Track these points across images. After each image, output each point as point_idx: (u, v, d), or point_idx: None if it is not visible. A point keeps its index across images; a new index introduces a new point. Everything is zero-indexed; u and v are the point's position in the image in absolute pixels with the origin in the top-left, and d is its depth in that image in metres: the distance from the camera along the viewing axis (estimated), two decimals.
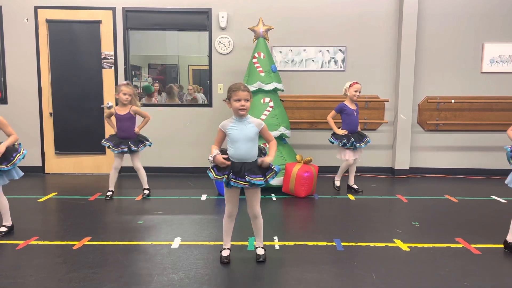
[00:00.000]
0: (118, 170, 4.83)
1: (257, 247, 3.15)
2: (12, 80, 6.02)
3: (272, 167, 2.95)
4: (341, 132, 4.89)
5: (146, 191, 4.90)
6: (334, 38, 6.02)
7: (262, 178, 2.87)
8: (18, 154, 3.49)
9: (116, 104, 5.02)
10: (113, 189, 4.84)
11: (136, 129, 4.73)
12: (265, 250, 3.15)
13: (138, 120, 4.78)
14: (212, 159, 2.90)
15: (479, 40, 6.00)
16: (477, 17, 5.96)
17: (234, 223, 3.12)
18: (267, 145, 3.03)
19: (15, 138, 3.51)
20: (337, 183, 5.18)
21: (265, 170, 2.92)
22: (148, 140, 4.82)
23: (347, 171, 5.24)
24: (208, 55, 6.09)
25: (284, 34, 5.94)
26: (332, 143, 4.97)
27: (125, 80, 5.89)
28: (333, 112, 4.97)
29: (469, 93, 6.08)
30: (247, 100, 2.87)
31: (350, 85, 4.88)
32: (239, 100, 2.85)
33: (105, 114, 4.79)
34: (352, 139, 4.84)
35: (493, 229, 3.81)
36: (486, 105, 6.07)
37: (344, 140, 4.85)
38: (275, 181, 4.99)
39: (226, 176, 2.87)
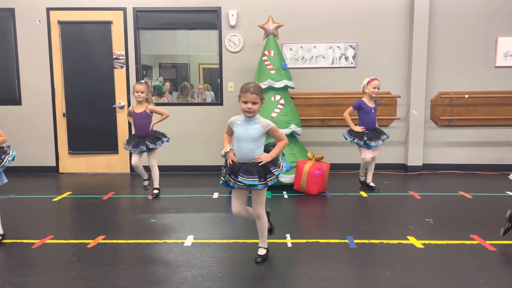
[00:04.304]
0: (138, 165, 4.73)
1: (259, 247, 3.10)
2: (25, 81, 6.10)
3: (274, 170, 2.85)
4: (358, 128, 4.80)
5: (156, 191, 4.87)
6: (345, 35, 5.98)
7: (257, 179, 2.78)
8: (7, 156, 3.26)
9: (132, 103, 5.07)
10: (147, 177, 4.80)
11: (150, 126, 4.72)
12: (268, 250, 3.09)
13: (156, 118, 4.80)
14: (223, 153, 2.91)
15: (492, 34, 5.90)
16: (490, 10, 5.86)
17: (249, 221, 3.11)
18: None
19: (3, 140, 3.29)
20: (362, 178, 5.09)
21: (266, 172, 2.84)
22: (165, 136, 4.81)
23: (355, 169, 5.19)
24: (218, 53, 6.09)
25: (294, 31, 5.92)
26: (346, 139, 4.92)
27: (141, 79, 5.96)
28: (350, 109, 4.87)
29: (483, 87, 5.99)
30: (255, 103, 2.80)
31: (368, 82, 4.78)
32: (246, 102, 2.82)
33: (126, 113, 4.85)
34: (365, 138, 4.76)
35: None
36: (501, 100, 5.98)
37: (357, 139, 4.79)
38: (287, 179, 4.99)
39: (223, 178, 2.87)
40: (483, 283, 2.68)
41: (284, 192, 4.97)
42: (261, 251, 3.07)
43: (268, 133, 2.90)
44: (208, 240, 3.45)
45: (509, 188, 5.07)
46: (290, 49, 6.01)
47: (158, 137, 4.75)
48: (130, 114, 4.79)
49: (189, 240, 3.45)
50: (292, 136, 5.23)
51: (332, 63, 6.03)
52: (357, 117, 4.93)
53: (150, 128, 4.72)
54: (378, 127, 4.94)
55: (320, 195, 4.85)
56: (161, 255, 3.16)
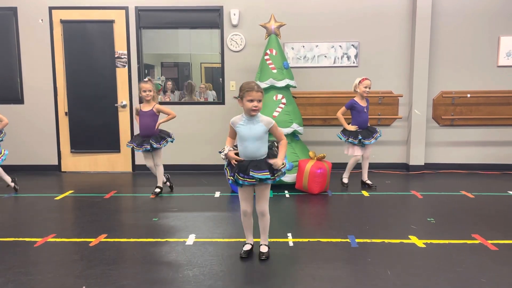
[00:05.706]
0: (153, 166, 4.84)
1: (261, 244, 3.12)
2: (28, 80, 6.12)
3: (282, 167, 2.93)
4: (352, 128, 4.89)
5: (157, 189, 4.89)
6: (347, 34, 5.98)
7: (268, 173, 2.86)
8: (0, 155, 3.33)
9: (141, 102, 5.11)
10: (161, 185, 4.89)
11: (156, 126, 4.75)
12: (269, 248, 3.12)
13: (162, 118, 4.81)
14: (224, 155, 2.92)
15: (494, 33, 5.89)
16: (493, 9, 5.84)
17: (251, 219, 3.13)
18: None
19: (5, 124, 3.28)
20: (345, 180, 5.13)
21: (273, 169, 2.90)
22: (170, 136, 4.82)
23: (357, 168, 5.21)
24: (220, 52, 6.10)
25: (296, 31, 5.91)
26: (341, 138, 4.98)
27: (144, 78, 5.95)
28: (343, 109, 4.97)
29: (485, 87, 5.98)
30: (260, 101, 2.86)
31: (360, 81, 4.86)
32: (252, 101, 2.84)
33: (134, 112, 4.99)
34: (360, 137, 4.83)
35: (510, 225, 3.75)
36: (503, 99, 5.97)
37: (351, 139, 4.85)
38: (288, 178, 4.99)
39: (232, 177, 2.88)
40: (484, 282, 2.68)
41: (286, 191, 4.97)
42: (264, 248, 3.09)
43: (270, 131, 2.93)
44: (210, 239, 3.45)
45: (511, 187, 5.06)
46: (292, 48, 6.00)
47: (162, 137, 4.76)
48: (138, 112, 4.79)
49: (191, 239, 3.46)
50: (294, 135, 5.23)
51: (334, 63, 6.03)
52: (350, 117, 5.00)
53: (156, 127, 4.73)
54: (370, 125, 5.03)
55: (321, 194, 4.85)
56: (163, 254, 3.17)
